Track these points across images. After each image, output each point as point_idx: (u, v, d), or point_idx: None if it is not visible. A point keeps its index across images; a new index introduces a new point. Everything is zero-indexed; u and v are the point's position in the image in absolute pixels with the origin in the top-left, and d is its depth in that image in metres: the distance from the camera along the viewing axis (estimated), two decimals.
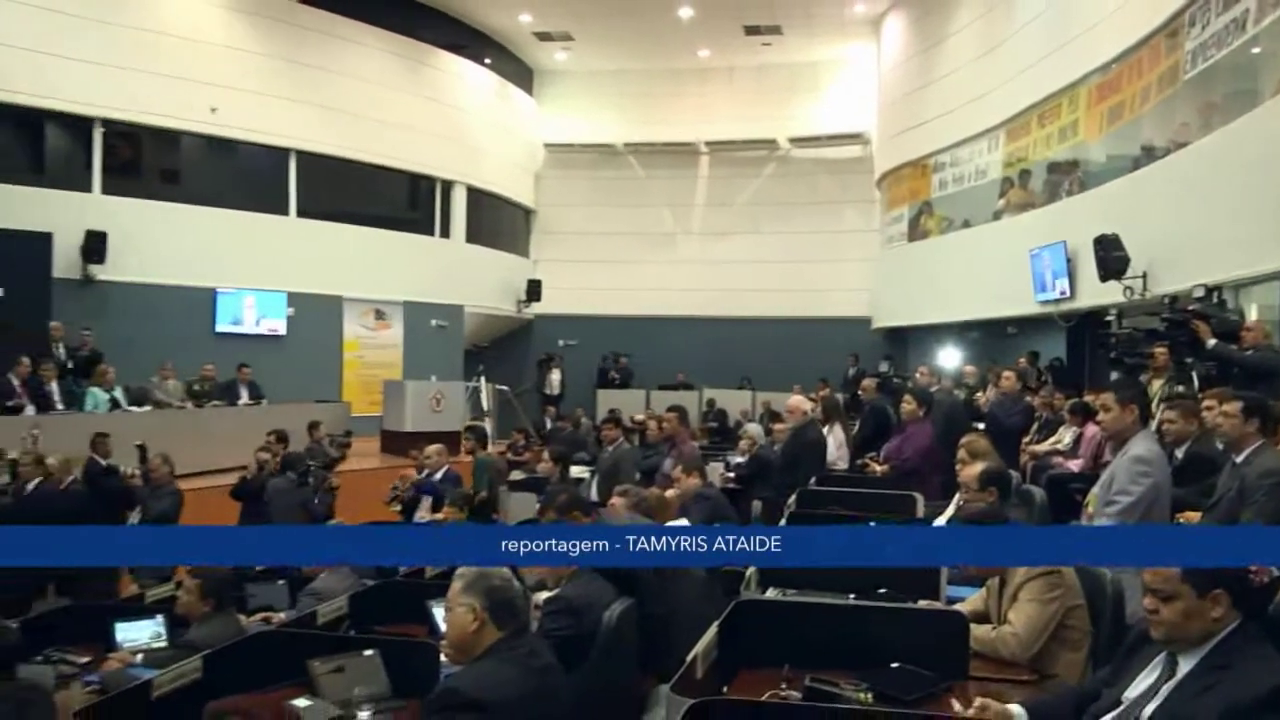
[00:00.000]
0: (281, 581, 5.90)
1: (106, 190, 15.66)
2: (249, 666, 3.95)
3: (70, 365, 12.90)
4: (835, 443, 9.40)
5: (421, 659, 3.89)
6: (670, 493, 6.88)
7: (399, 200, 20.32)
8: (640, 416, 12.79)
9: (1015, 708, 3.00)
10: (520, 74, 22.85)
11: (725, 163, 22.94)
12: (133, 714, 3.52)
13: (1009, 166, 16.17)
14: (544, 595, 4.46)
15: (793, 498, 7.14)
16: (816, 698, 3.30)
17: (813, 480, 8.01)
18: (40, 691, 3.95)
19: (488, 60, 21.57)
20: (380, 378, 17.92)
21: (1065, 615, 3.83)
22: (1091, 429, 8.16)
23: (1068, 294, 13.15)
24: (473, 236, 21.04)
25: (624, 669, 4.33)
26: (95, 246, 14.78)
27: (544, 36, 21.48)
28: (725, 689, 3.48)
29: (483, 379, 18.27)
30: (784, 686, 3.37)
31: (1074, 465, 8.36)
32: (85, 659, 4.90)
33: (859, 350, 19.62)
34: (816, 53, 21.70)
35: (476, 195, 21.13)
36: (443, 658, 3.76)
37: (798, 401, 9.40)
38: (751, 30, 20.46)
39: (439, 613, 4.46)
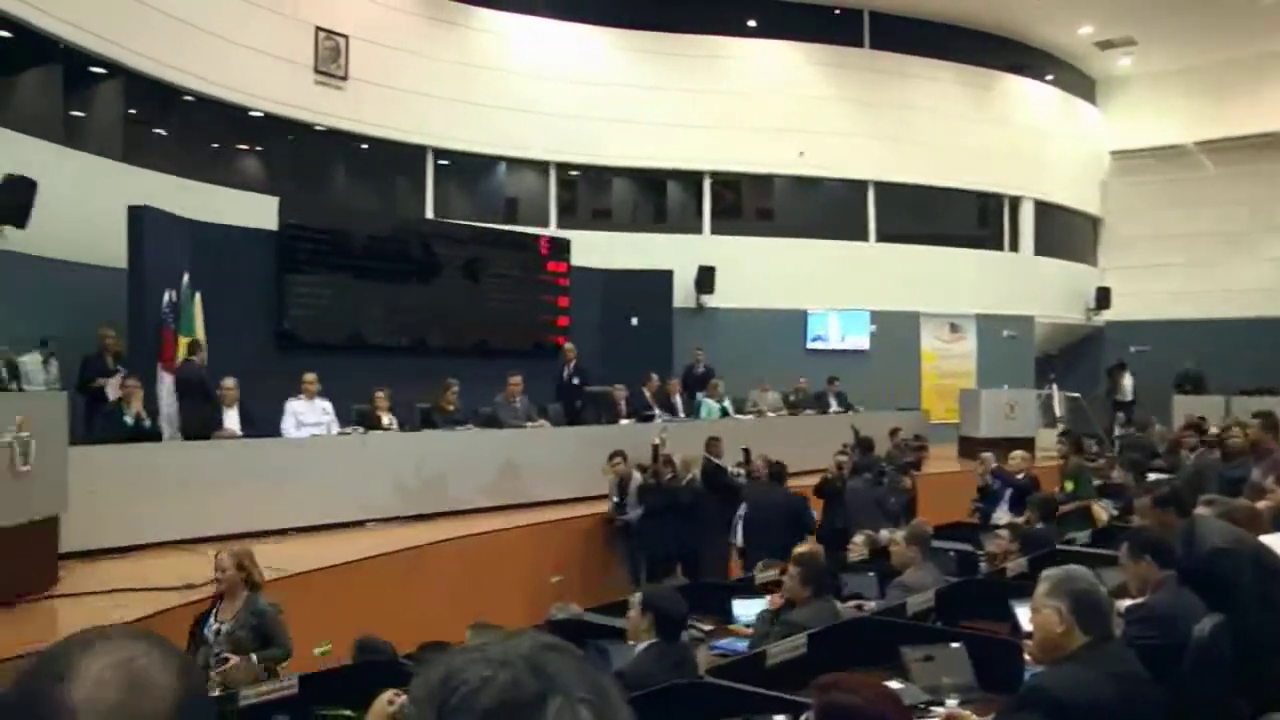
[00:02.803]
0: (872, 573, 6.01)
1: (714, 231, 17.13)
2: (845, 648, 4.06)
3: (688, 380, 14.08)
4: None
5: (1005, 656, 3.78)
6: (1262, 504, 6.08)
7: (969, 219, 19.91)
8: (1221, 424, 11.42)
9: None
10: (1082, 85, 21.42)
11: None
12: (749, 677, 3.76)
13: None
14: (1125, 603, 4.14)
15: None
16: None
17: None
18: (690, 651, 4.37)
19: (1049, 76, 20.49)
20: (956, 387, 17.64)
21: None
22: None
23: None
24: (1041, 248, 20.03)
25: (1217, 688, 3.89)
26: (706, 279, 16.17)
27: (1105, 45, 19.92)
28: None
29: (1054, 386, 17.36)
30: None
31: None
32: (709, 628, 5.34)
33: None
34: None
35: (1043, 208, 20.10)
36: (1026, 656, 3.62)
37: None
38: None
39: (1022, 612, 4.29)
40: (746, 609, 5.48)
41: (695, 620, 5.18)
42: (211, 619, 4.88)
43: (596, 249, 14.96)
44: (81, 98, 11.37)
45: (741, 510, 9.60)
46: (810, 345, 17.23)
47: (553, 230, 15.65)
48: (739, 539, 9.53)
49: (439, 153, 15.39)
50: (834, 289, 17.27)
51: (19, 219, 9.31)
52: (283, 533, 8.05)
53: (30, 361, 9.23)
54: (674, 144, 16.48)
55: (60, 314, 9.72)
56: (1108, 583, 3.35)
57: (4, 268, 9.55)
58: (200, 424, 8.61)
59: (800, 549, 5.29)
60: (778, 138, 16.98)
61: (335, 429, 9.40)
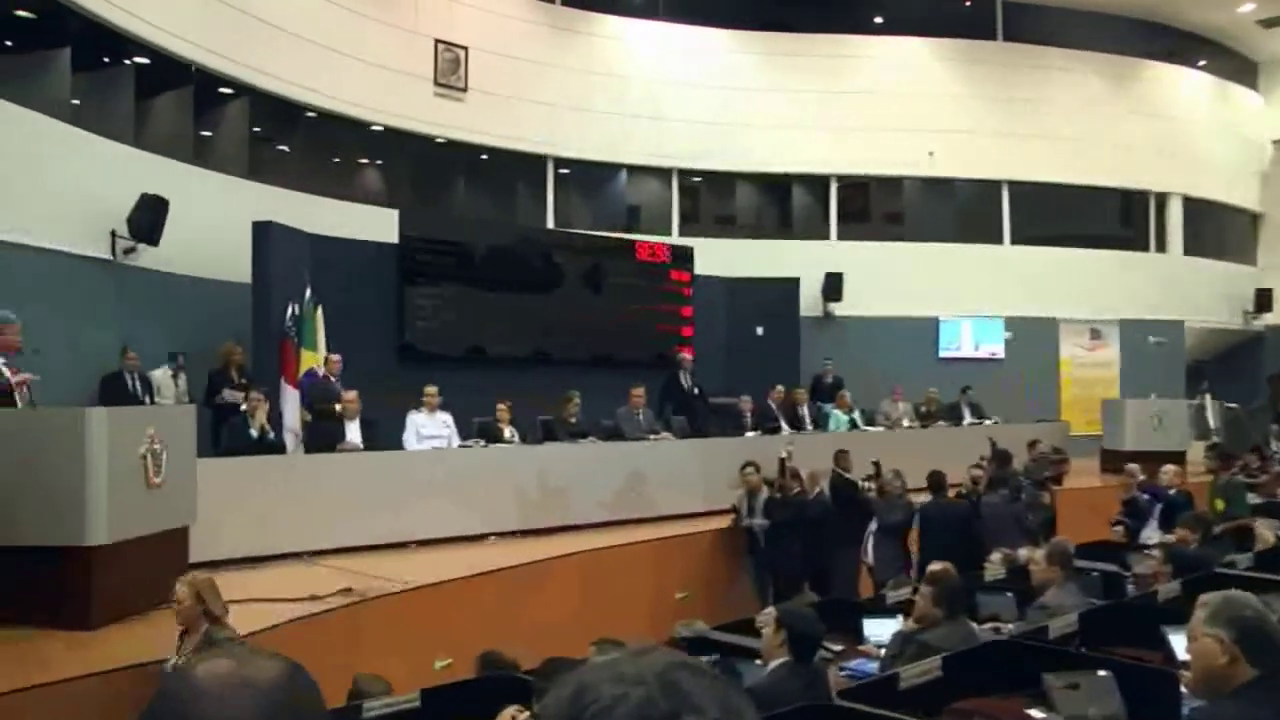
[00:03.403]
0: (1010, 594, 5.82)
1: (841, 236, 16.95)
2: (982, 672, 3.93)
3: (816, 391, 13.92)
4: None
5: (1159, 687, 3.58)
6: None
7: (1111, 218, 19.21)
8: None
9: None
10: (1242, 69, 20.42)
11: None
12: (882, 701, 3.67)
13: None
14: None
15: None
16: None
17: None
18: (823, 672, 4.34)
19: (1202, 62, 19.58)
20: (1098, 396, 17.02)
21: None
22: None
23: None
24: (1191, 248, 19.16)
25: None
26: (833, 286, 15.98)
27: (1270, 23, 18.81)
28: None
29: (1207, 396, 16.61)
30: None
31: None
32: (838, 648, 5.23)
33: None
34: None
35: (1194, 205, 19.23)
36: (1183, 689, 3.43)
37: None
38: None
39: (1176, 640, 4.09)
40: (878, 628, 5.37)
41: (825, 640, 5.09)
42: (175, 655, 4.63)
43: (720, 257, 14.93)
44: (210, 118, 11.89)
45: (872, 526, 9.47)
46: (942, 354, 16.87)
47: (675, 238, 15.70)
48: (870, 555, 9.40)
49: (559, 161, 15.58)
50: (967, 295, 16.87)
51: (152, 236, 9.78)
52: (404, 546, 8.21)
53: (160, 375, 9.68)
54: (799, 147, 16.37)
55: (188, 328, 10.18)
56: (1277, 610, 3.14)
57: (136, 284, 10.04)
58: (323, 437, 8.86)
59: (933, 567, 5.16)
60: (906, 138, 16.68)
61: (456, 442, 9.54)
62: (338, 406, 9.04)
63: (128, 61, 10.67)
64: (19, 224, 8.78)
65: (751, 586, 9.63)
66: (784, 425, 12.10)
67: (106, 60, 10.59)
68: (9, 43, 9.97)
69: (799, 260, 15.75)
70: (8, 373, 5.90)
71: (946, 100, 17.18)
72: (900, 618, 5.32)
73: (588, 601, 8.09)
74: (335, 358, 9.93)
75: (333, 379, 9.67)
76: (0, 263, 8.43)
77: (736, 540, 9.83)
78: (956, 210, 17.84)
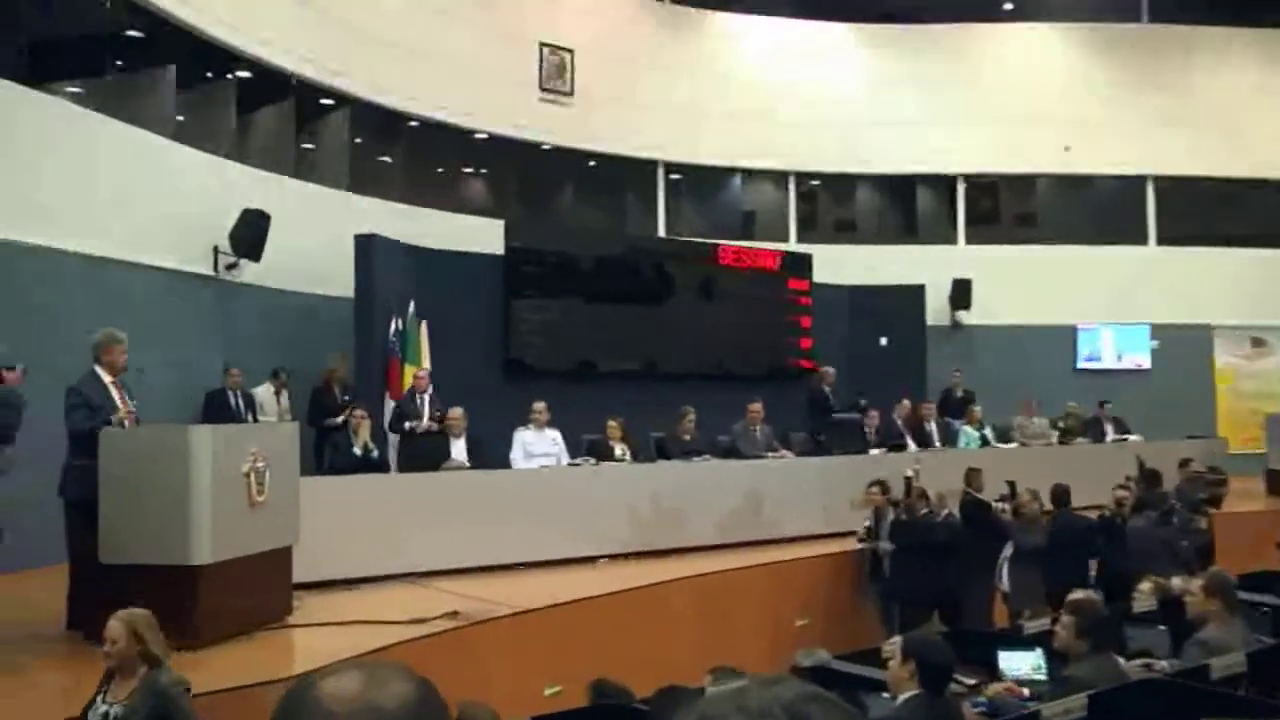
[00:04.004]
0: (1162, 627, 5.61)
1: (969, 240, 16.65)
2: (1133, 713, 3.79)
3: (945, 405, 13.65)
4: None
5: None
6: None
7: (1272, 215, 18.44)
8: None
9: None
10: None
11: None
12: None
13: None
14: None
15: None
16: None
17: None
18: (955, 706, 4.22)
19: None
20: (1261, 410, 16.31)
21: None
22: None
23: None
24: None
25: None
26: (961, 294, 15.69)
27: None
28: None
29: None
30: None
31: None
32: (972, 681, 5.10)
33: None
34: None
35: None
36: None
37: None
38: None
39: None
40: (1014, 661, 5.22)
41: (958, 672, 4.97)
42: (99, 701, 4.24)
43: (840, 264, 14.82)
44: (311, 130, 12.27)
45: (1007, 551, 9.24)
46: (1081, 365, 16.42)
47: (793, 244, 15.61)
48: (1004, 582, 9.17)
49: (670, 166, 15.64)
50: (1108, 301, 16.38)
51: (254, 252, 10.10)
52: (511, 568, 8.28)
53: (263, 392, 9.99)
54: (923, 146, 16.13)
55: (290, 344, 10.48)
56: None
57: (238, 300, 10.38)
58: (416, 457, 9.02)
59: (1074, 595, 5.00)
60: (1039, 133, 16.31)
61: (565, 460, 9.60)
62: (416, 425, 9.20)
63: (230, 76, 11.08)
64: (123, 240, 9.15)
65: (876, 614, 9.48)
66: (910, 442, 11.91)
67: (209, 75, 11.02)
68: (119, 62, 10.42)
69: (924, 266, 15.51)
70: (120, 404, 6.13)
71: (1083, 90, 16.72)
72: (1039, 650, 5.17)
73: (703, 628, 8.06)
74: (422, 372, 10.05)
75: (420, 395, 9.79)
76: (104, 280, 8.80)
77: (860, 564, 9.68)
78: (1095, 209, 17.34)
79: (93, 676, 4.33)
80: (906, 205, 17.23)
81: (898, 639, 4.37)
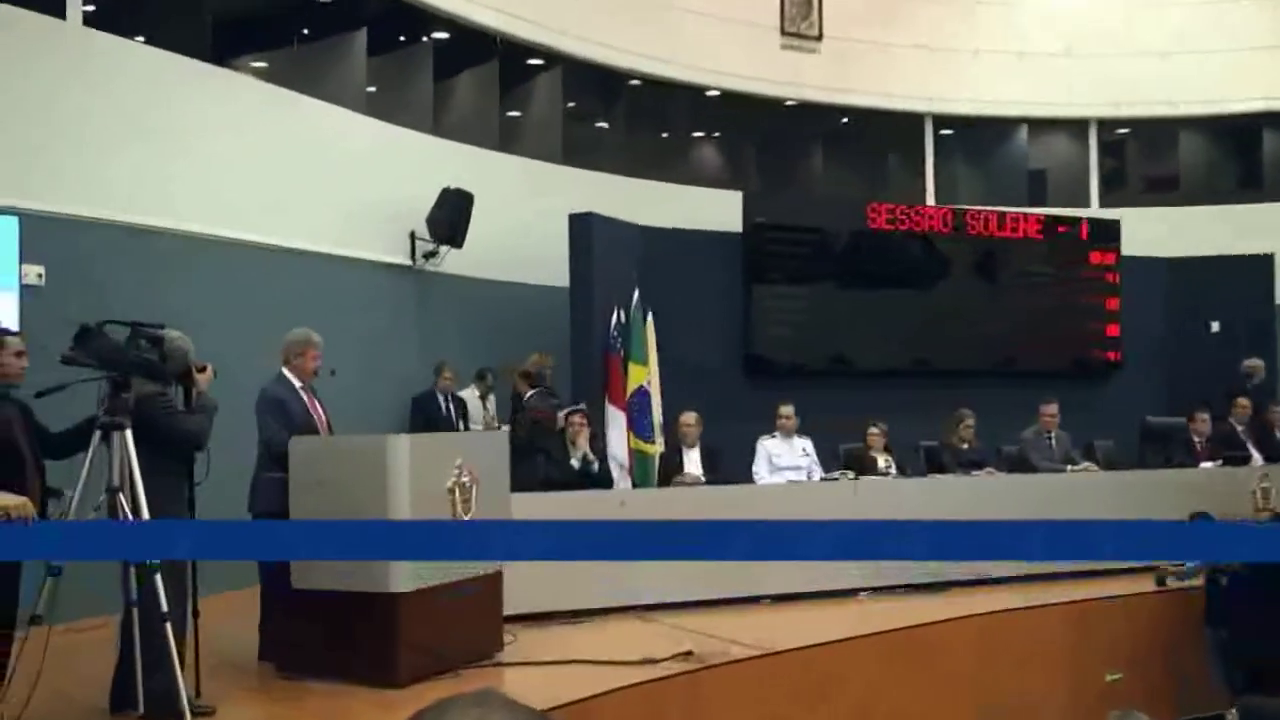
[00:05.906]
0: None
1: None
2: None
3: None
4: None
5: None
6: None
7: None
8: None
9: None
10: None
11: None
12: None
13: None
14: None
15: None
16: None
17: None
18: None
19: None
20: None
21: None
22: None
23: None
24: None
25: None
26: None
27: None
28: None
29: None
30: None
31: None
32: None
33: None
34: None
35: None
36: None
37: None
38: None
39: None
40: None
41: None
42: None
43: (1158, 231, 14.33)
44: (517, 96, 12.66)
45: None
46: None
47: (1095, 210, 15.15)
48: None
49: (939, 120, 15.39)
50: None
51: (454, 237, 10.47)
52: (755, 601, 8.31)
53: (467, 395, 10.36)
54: (1266, 74, 15.26)
55: (496, 341, 10.80)
56: None
57: (438, 292, 10.79)
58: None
59: None
60: None
61: (818, 473, 9.61)
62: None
63: (425, 39, 11.56)
64: (312, 229, 9.68)
65: (1213, 668, 9.06)
66: (1254, 453, 11.38)
67: (402, 39, 11.52)
68: (306, 30, 11.04)
69: (1272, 230, 14.68)
70: (312, 412, 6.51)
71: None
72: None
73: (985, 677, 7.90)
74: (547, 355, 10.24)
75: (547, 372, 9.99)
76: (294, 274, 9.34)
77: (1192, 605, 9.27)
78: None
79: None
80: (1246, 154, 16.46)
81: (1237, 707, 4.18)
